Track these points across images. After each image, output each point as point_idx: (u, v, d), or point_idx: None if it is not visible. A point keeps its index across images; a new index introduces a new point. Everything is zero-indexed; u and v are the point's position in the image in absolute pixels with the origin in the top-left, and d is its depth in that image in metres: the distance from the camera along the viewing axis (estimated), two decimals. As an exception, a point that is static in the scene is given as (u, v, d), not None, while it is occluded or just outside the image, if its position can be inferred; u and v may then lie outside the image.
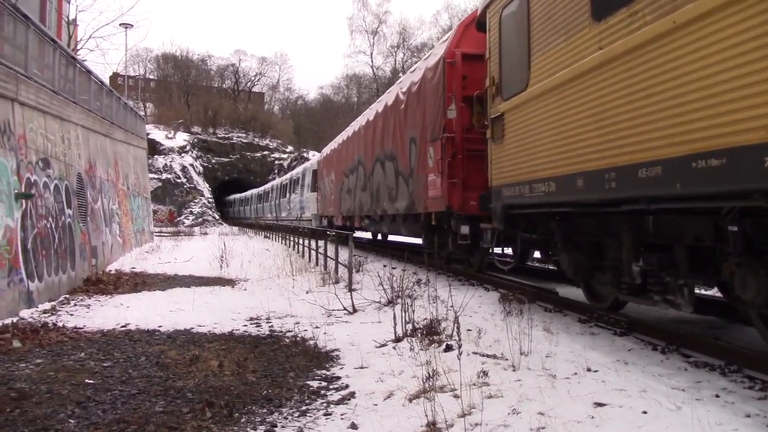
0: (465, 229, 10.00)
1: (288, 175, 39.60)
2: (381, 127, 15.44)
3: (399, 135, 13.68)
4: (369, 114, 17.47)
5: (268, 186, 50.27)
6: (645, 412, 3.77)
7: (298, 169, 35.72)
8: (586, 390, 4.27)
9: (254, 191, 56.43)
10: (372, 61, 74.60)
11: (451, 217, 10.66)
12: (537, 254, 11.02)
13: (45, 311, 9.61)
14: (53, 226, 11.56)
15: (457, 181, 10.15)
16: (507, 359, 5.21)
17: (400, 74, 41.07)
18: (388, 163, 14.61)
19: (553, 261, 8.74)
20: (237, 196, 66.86)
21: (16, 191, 9.64)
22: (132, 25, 35.96)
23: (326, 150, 26.45)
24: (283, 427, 4.49)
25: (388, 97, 15.40)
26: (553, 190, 6.49)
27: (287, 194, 37.33)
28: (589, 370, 4.79)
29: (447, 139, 10.31)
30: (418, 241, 15.70)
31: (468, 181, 10.13)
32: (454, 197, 10.20)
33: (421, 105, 11.99)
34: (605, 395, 4.14)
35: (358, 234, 25.09)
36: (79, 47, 30.98)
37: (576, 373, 4.73)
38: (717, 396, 4.18)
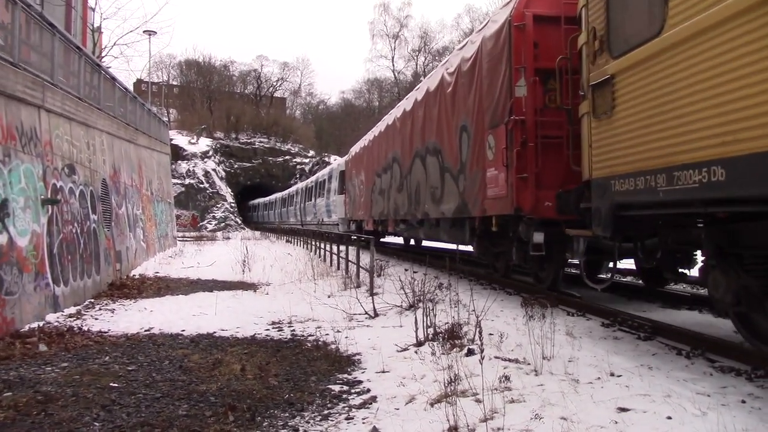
0: (539, 237, 8.22)
1: (314, 177, 37.96)
2: (422, 118, 13.31)
3: (445, 124, 11.61)
4: (406, 104, 15.36)
5: (293, 189, 48.23)
6: (670, 418, 3.72)
7: (324, 171, 34.07)
8: (609, 395, 4.22)
9: (278, 195, 55.15)
10: (393, 65, 74.84)
11: (519, 222, 8.76)
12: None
13: (70, 315, 9.76)
14: (78, 231, 11.74)
15: (528, 177, 8.16)
16: (529, 364, 5.18)
17: (422, 78, 40.97)
18: (431, 159, 12.56)
19: (675, 277, 7.44)
20: (261, 200, 65.99)
21: (42, 197, 9.81)
22: (155, 32, 36.38)
23: (355, 149, 24.49)
24: (305, 430, 4.50)
25: (430, 82, 13.12)
26: (721, 179, 4.48)
27: (313, 197, 35.60)
28: (612, 374, 4.74)
29: (515, 124, 8.28)
30: (465, 248, 14.08)
31: (542, 177, 8.25)
32: (524, 197, 8.24)
33: (476, 85, 9.98)
34: (629, 400, 4.09)
35: (389, 239, 24.79)
36: (103, 54, 31.44)
37: (599, 378, 4.68)
38: (743, 402, 4.10)
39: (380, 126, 19.15)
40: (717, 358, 5.22)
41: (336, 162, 30.33)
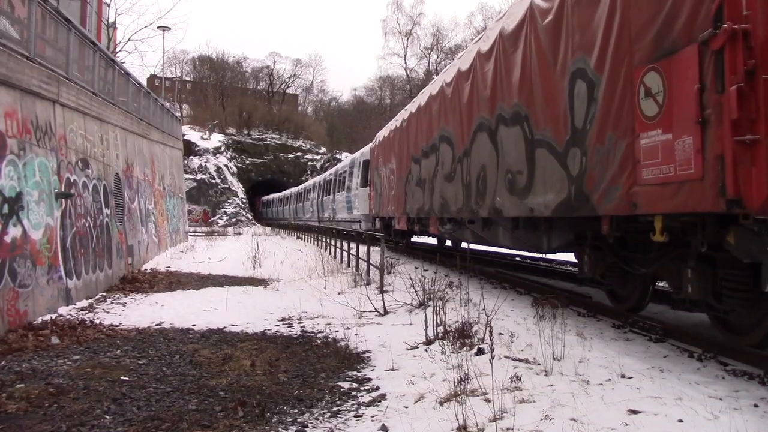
0: None
1: (333, 169, 34.08)
2: (490, 74, 9.20)
3: (539, 75, 7.56)
4: (461, 63, 11.21)
5: (309, 183, 44.16)
6: (681, 421, 3.70)
7: (345, 162, 30.31)
8: (620, 397, 4.20)
9: (294, 190, 52.14)
10: (405, 62, 74.79)
11: (733, 226, 4.86)
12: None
13: (83, 308, 9.83)
14: (91, 225, 11.82)
15: (760, 140, 4.28)
16: (539, 364, 5.16)
17: (434, 76, 40.80)
18: (509, 131, 8.45)
19: None
20: (276, 195, 63.24)
21: (56, 191, 9.89)
22: (169, 28, 36.63)
23: (383, 132, 20.07)
24: (314, 427, 4.51)
25: (503, 24, 8.96)
26: None
27: (332, 192, 31.93)
28: (623, 376, 4.71)
29: (729, 39, 4.38)
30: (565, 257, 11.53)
31: None
32: (751, 178, 4.31)
33: None
34: (640, 402, 4.07)
35: (421, 239, 20.40)
36: (117, 50, 31.65)
37: (610, 380, 4.65)
38: (756, 406, 4.07)
39: (419, 99, 14.82)
40: (729, 361, 5.17)
41: (359, 151, 26.42)
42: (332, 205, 31.40)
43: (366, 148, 24.43)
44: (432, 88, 13.45)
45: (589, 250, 7.69)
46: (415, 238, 20.46)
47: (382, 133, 20.10)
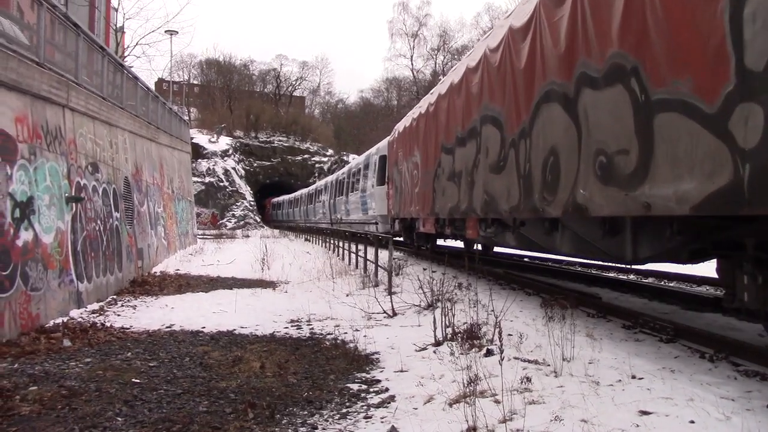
0: None
1: (346, 168, 31.92)
2: (567, 21, 6.72)
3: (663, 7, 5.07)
4: (513, 19, 8.65)
5: (321, 183, 42.05)
6: (692, 422, 3.68)
7: (360, 158, 27.76)
8: (630, 398, 4.19)
9: (304, 191, 50.19)
10: (412, 64, 74.74)
11: None
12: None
13: (93, 311, 9.88)
14: (101, 228, 11.89)
15: None
16: (549, 365, 5.15)
17: (440, 77, 40.71)
18: (602, 94, 6.05)
19: None
20: (286, 197, 61.31)
21: (66, 195, 9.95)
22: (177, 32, 36.83)
23: (402, 124, 17.67)
24: (324, 429, 4.52)
25: None
26: None
27: (344, 191, 29.68)
28: (633, 377, 4.69)
29: None
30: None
31: None
32: None
33: None
34: (651, 403, 4.05)
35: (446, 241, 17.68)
36: (126, 54, 31.81)
37: (620, 380, 4.64)
38: (768, 406, 4.05)
39: (451, 76, 12.10)
40: (741, 361, 5.14)
41: (375, 147, 24.10)
42: (345, 206, 29.43)
43: (383, 143, 22.26)
44: (470, 60, 10.73)
45: (750, 266, 5.02)
46: (440, 242, 17.74)
47: (403, 123, 17.64)
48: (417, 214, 15.20)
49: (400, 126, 18.21)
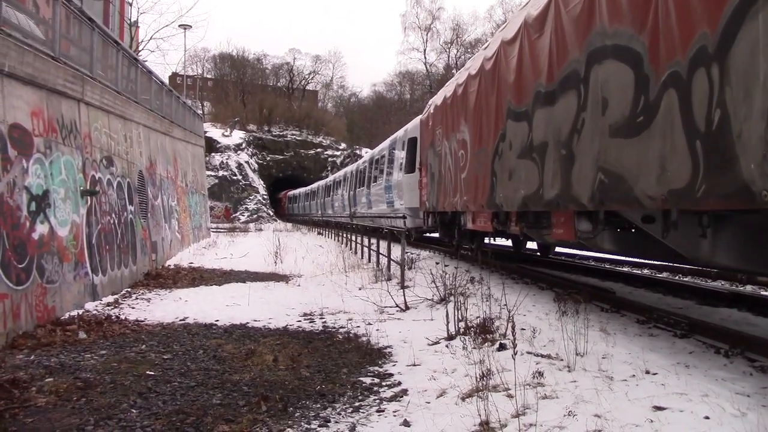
0: None
1: (367, 156, 29.21)
2: None
3: None
4: None
5: (339, 174, 38.63)
6: (707, 418, 3.65)
7: (383, 144, 24.14)
8: (644, 393, 4.16)
9: (321, 183, 47.02)
10: (425, 57, 74.47)
11: None
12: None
13: (108, 304, 9.97)
14: (116, 222, 11.98)
15: None
16: (562, 359, 5.13)
17: (454, 71, 40.51)
18: None
19: None
20: (302, 190, 58.52)
21: (81, 188, 10.03)
22: (191, 26, 36.87)
23: (441, 95, 14.27)
24: (336, 422, 4.53)
25: None
26: None
27: (365, 182, 26.58)
28: (647, 372, 4.66)
29: None
30: None
31: None
32: None
33: None
34: (665, 399, 4.02)
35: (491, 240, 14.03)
36: (140, 48, 31.98)
37: (634, 376, 4.61)
38: (785, 402, 4.01)
39: (523, 14, 8.47)
40: (757, 357, 5.09)
41: (402, 129, 20.88)
42: (367, 198, 26.24)
43: (412, 123, 19.23)
44: None
45: None
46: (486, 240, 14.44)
47: (442, 94, 14.16)
48: (463, 207, 11.75)
49: (437, 98, 14.82)
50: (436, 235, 17.38)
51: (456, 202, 12.10)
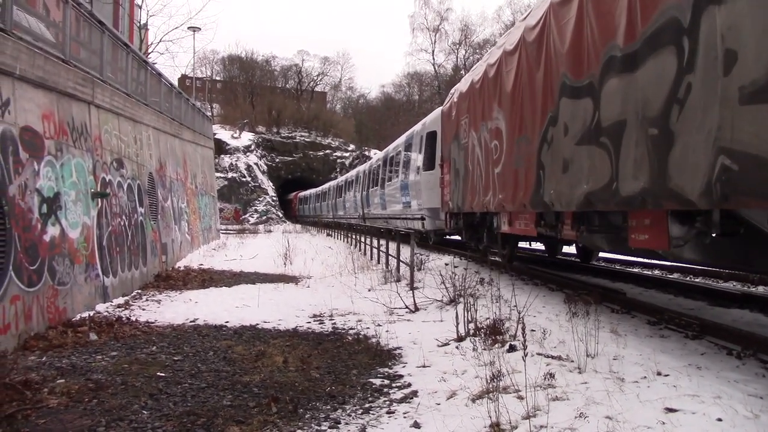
0: None
1: (381, 154, 27.71)
2: None
3: None
4: None
5: (352, 173, 36.57)
6: (720, 420, 3.62)
7: (398, 141, 22.66)
8: (656, 395, 4.13)
9: (332, 183, 45.55)
10: (434, 58, 74.48)
11: None
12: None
13: (119, 306, 10.02)
14: (126, 224, 12.04)
15: None
16: (573, 361, 5.10)
17: (462, 71, 40.45)
18: None
19: None
20: (313, 191, 57.00)
21: (92, 190, 10.09)
22: (200, 29, 37.01)
23: (467, 80, 12.49)
24: (346, 423, 4.53)
25: None
26: None
27: (379, 182, 25.10)
28: (659, 374, 4.63)
29: None
30: None
31: None
32: None
33: None
34: (677, 400, 4.00)
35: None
36: (149, 51, 32.12)
37: (645, 377, 4.58)
38: (798, 404, 3.97)
39: None
40: (769, 358, 5.05)
41: (419, 123, 19.39)
42: (381, 199, 24.69)
43: (432, 116, 17.62)
44: None
45: None
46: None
47: (469, 78, 12.33)
48: (497, 207, 10.02)
49: (461, 85, 13.09)
50: (457, 237, 16.15)
51: (488, 201, 10.43)
